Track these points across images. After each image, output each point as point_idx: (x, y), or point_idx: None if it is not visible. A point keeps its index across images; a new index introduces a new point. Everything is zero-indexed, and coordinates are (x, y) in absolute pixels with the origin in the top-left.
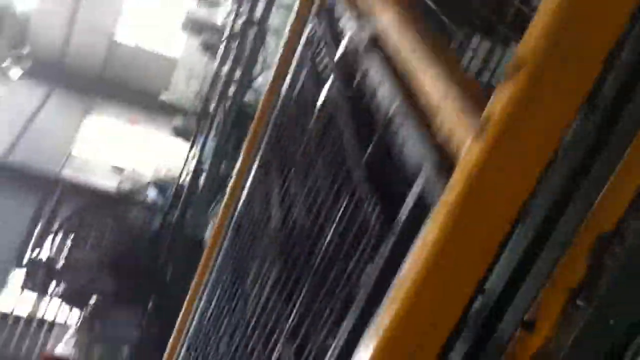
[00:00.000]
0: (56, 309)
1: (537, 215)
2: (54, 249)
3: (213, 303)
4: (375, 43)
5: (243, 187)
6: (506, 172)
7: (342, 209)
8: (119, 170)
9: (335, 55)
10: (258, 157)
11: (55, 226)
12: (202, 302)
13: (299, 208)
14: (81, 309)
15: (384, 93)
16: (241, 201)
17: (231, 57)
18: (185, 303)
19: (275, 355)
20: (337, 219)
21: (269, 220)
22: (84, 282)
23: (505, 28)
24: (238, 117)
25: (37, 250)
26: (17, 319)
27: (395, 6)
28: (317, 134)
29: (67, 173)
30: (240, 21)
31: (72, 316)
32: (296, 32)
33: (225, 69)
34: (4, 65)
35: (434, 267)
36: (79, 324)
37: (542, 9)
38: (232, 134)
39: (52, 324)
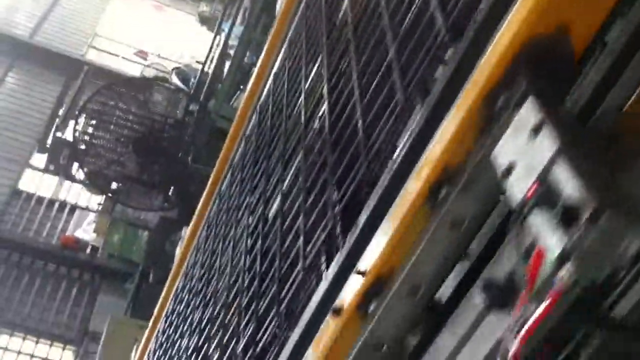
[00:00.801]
0: (78, 193)
1: None
2: (78, 131)
3: (232, 190)
4: None
5: (268, 76)
6: None
7: None
8: (143, 54)
9: None
10: (285, 45)
11: (79, 108)
12: (223, 189)
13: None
14: (103, 192)
15: None
16: (265, 91)
17: None
18: (206, 190)
19: None
20: None
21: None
22: (107, 165)
23: None
24: (266, 2)
25: (60, 132)
26: (40, 200)
27: None
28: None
29: (92, 55)
30: None
31: (93, 200)
32: None
33: None
34: None
35: None
36: (99, 208)
37: None
38: (260, 20)
39: (74, 208)
